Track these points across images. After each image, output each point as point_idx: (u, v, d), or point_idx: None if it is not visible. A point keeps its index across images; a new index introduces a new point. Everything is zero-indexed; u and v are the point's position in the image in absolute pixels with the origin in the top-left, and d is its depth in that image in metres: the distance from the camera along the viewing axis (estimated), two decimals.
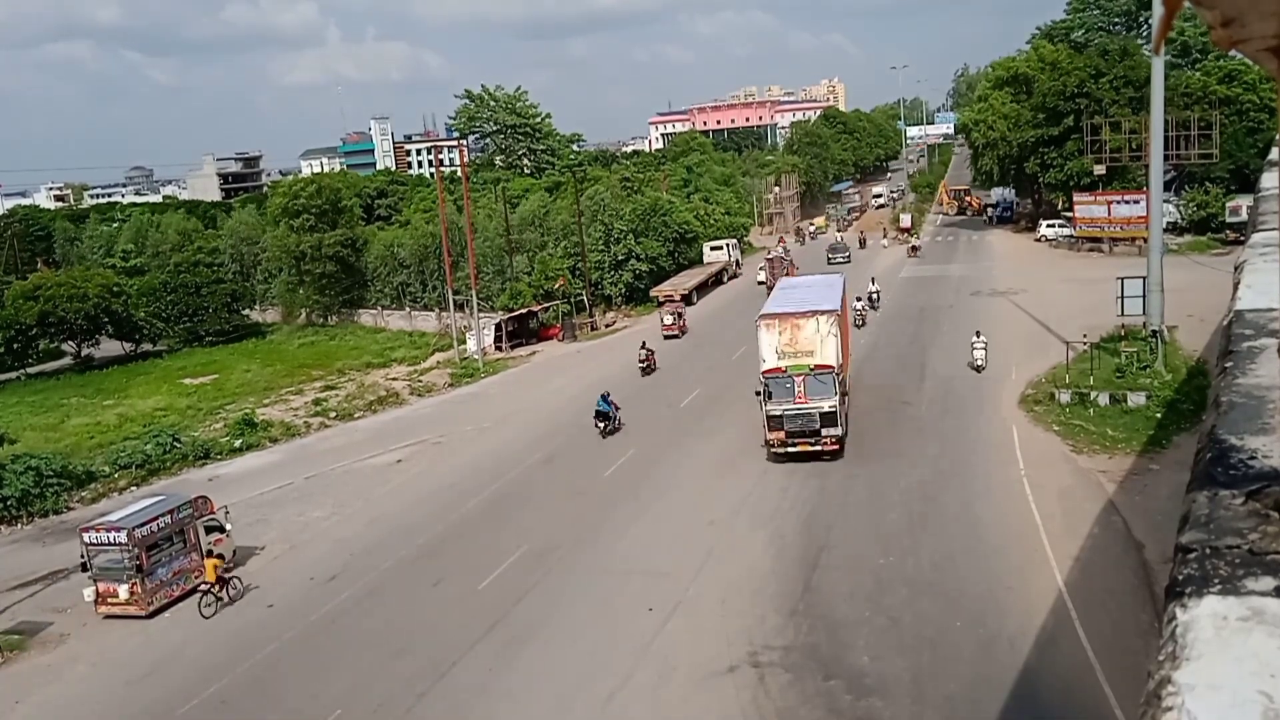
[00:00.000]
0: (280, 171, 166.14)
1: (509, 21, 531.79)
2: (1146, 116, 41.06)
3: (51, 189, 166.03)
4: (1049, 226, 65.09)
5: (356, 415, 42.82)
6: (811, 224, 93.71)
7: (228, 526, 26.03)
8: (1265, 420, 2.80)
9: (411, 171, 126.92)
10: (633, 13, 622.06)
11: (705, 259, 65.47)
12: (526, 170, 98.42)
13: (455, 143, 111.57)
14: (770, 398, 27.57)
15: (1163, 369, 31.72)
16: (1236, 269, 5.96)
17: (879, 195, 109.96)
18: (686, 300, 57.80)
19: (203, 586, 23.61)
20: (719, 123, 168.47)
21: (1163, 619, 1.80)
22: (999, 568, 20.70)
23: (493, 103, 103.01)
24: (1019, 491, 24.67)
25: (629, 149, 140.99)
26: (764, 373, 27.95)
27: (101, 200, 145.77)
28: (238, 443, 38.62)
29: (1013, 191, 78.61)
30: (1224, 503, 2.18)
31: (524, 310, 55.50)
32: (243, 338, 68.75)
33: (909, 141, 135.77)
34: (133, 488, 34.29)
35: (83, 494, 34.08)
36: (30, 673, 21.48)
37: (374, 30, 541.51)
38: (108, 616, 23.62)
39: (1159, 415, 28.41)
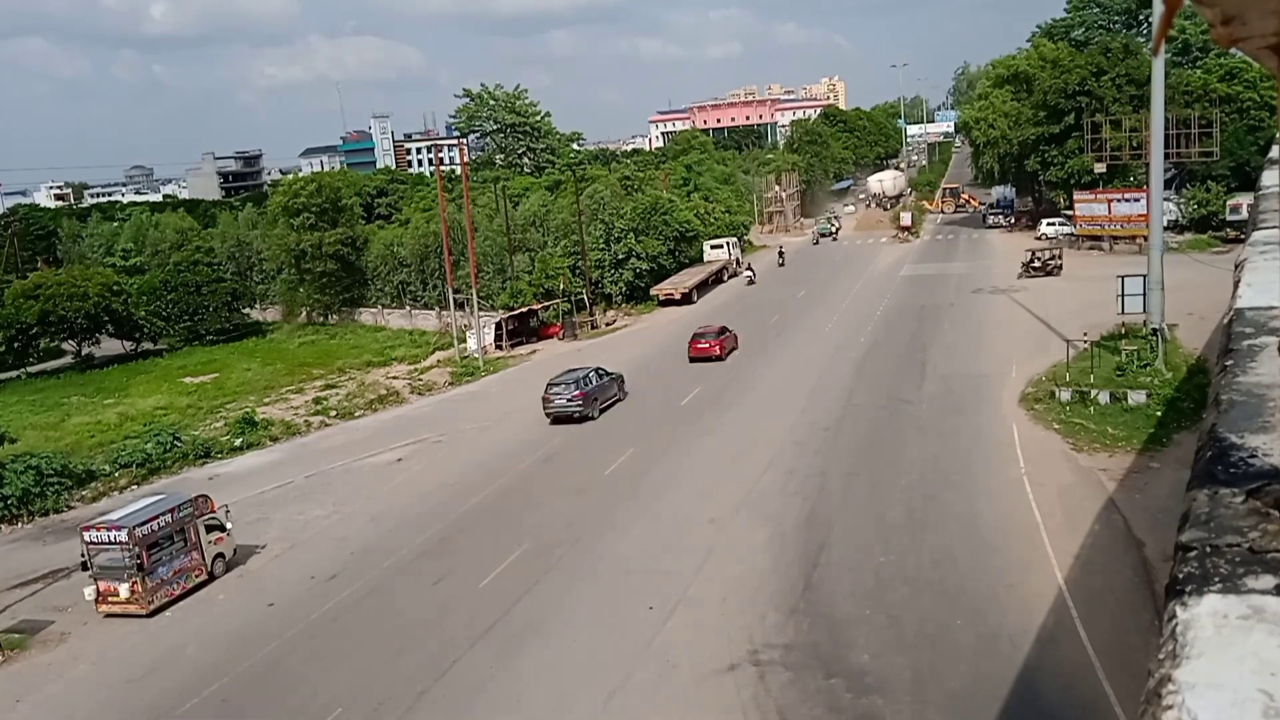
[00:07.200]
0: (280, 170, 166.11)
1: (495, 16, 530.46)
2: (1147, 114, 41.09)
3: (52, 188, 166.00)
4: (1049, 225, 65.02)
5: (357, 414, 42.81)
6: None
7: (228, 525, 26.03)
8: (1265, 418, 2.80)
9: (412, 170, 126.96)
10: (632, 8, 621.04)
11: (706, 257, 65.44)
12: (526, 169, 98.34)
13: (455, 141, 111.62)
14: None
15: (1163, 367, 31.69)
16: (1237, 267, 5.96)
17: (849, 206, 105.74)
18: (687, 299, 57.77)
19: None
20: (719, 121, 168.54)
21: (1163, 617, 1.80)
22: (999, 565, 20.69)
23: (493, 101, 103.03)
24: (1019, 489, 24.65)
25: (629, 147, 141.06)
26: None
27: (102, 199, 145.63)
28: (238, 441, 38.60)
29: (1013, 190, 78.54)
30: (1224, 501, 2.18)
31: (524, 309, 55.49)
32: (243, 336, 68.70)
33: (909, 140, 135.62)
34: (133, 486, 34.27)
35: (83, 493, 34.04)
36: (31, 671, 21.47)
37: (354, 24, 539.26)
38: (108, 615, 23.61)
39: (1159, 413, 28.38)
